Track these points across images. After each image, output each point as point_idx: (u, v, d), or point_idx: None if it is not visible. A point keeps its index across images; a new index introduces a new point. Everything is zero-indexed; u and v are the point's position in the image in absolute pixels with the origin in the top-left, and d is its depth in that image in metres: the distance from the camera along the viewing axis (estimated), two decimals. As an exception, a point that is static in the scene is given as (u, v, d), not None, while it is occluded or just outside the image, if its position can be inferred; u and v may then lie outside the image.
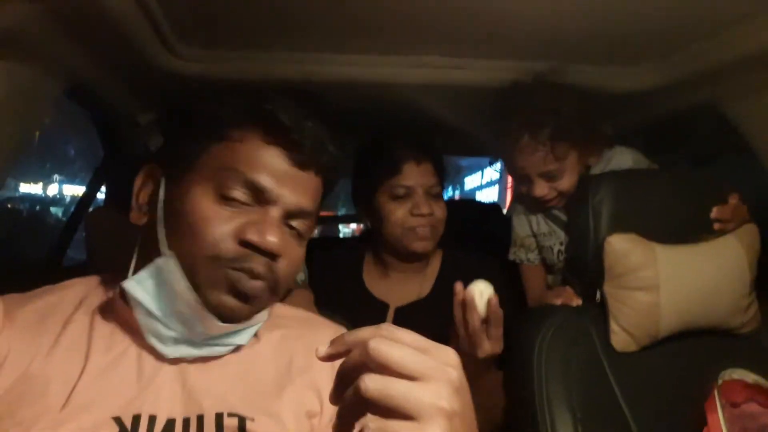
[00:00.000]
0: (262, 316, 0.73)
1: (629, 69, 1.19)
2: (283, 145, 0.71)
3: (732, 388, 1.00)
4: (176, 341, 0.68)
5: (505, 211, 2.40)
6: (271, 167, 0.70)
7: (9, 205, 9.48)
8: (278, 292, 0.72)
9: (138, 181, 0.74)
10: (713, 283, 1.04)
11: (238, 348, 0.73)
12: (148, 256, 0.68)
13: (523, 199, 1.36)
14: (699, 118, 1.41)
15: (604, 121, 1.37)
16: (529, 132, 1.19)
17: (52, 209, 11.36)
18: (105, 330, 0.69)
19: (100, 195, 1.82)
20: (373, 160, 1.30)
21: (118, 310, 0.70)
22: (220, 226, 0.66)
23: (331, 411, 0.73)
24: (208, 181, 0.68)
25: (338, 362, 0.71)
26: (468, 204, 2.71)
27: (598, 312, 1.06)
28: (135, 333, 0.69)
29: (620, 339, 1.03)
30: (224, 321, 0.67)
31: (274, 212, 0.69)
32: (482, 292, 0.95)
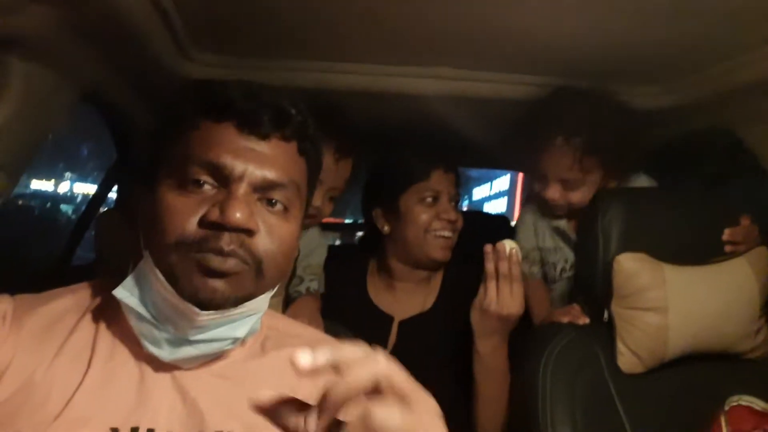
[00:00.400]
0: (256, 305, 0.69)
1: (645, 88, 1.19)
2: (237, 120, 0.67)
3: (739, 415, 0.98)
4: (170, 342, 0.66)
5: (513, 223, 2.40)
6: (227, 144, 0.66)
7: (20, 202, 9.56)
8: (264, 272, 0.67)
9: (138, 199, 0.73)
10: (723, 306, 1.03)
11: (237, 362, 0.72)
12: (136, 263, 0.68)
13: (533, 198, 1.36)
14: (711, 139, 1.40)
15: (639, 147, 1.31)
16: (564, 135, 1.18)
17: (63, 207, 11.45)
18: (108, 338, 0.69)
19: (112, 194, 1.83)
20: (399, 164, 1.33)
21: (119, 319, 0.69)
22: (184, 213, 0.64)
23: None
24: (170, 176, 0.67)
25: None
26: (476, 215, 2.70)
27: (605, 332, 1.05)
28: (135, 342, 0.68)
29: (627, 360, 1.02)
30: (207, 308, 0.63)
31: (240, 189, 0.65)
32: (509, 247, 1.10)
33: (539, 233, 1.38)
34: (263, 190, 0.67)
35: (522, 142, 1.29)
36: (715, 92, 1.11)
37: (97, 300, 0.73)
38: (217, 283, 0.63)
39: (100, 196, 1.84)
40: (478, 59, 1.11)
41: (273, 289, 0.71)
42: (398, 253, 1.33)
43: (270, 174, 0.67)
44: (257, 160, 0.67)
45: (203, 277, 0.63)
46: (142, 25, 0.91)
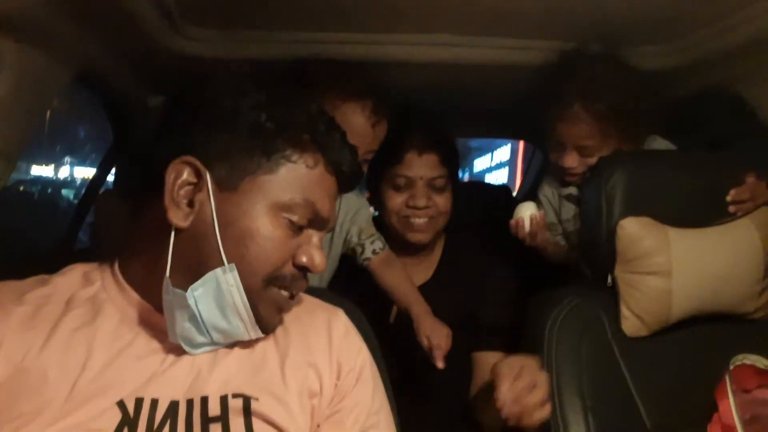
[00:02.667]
0: None
1: (646, 48, 1.17)
2: (337, 175, 0.74)
3: (743, 374, 0.99)
4: (204, 345, 0.69)
5: (515, 193, 2.39)
6: (330, 197, 0.73)
7: (21, 188, 9.55)
8: None
9: (173, 174, 0.67)
10: (727, 268, 1.03)
11: None
12: (192, 260, 0.66)
13: (550, 169, 1.35)
14: (713, 100, 1.38)
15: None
16: (581, 101, 1.15)
17: (64, 192, 11.43)
18: (109, 320, 0.68)
19: (111, 177, 1.82)
20: (381, 147, 1.24)
21: (124, 300, 0.70)
22: (283, 250, 0.69)
23: (330, 392, 0.74)
24: (276, 201, 0.68)
25: (336, 345, 0.77)
26: (477, 186, 2.70)
27: (608, 296, 1.05)
28: (144, 324, 0.69)
29: (631, 324, 1.03)
30: (264, 332, 0.71)
31: (321, 235, 0.73)
32: (528, 213, 1.19)
33: (560, 206, 1.34)
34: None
35: (535, 110, 1.25)
36: (716, 51, 1.09)
37: (89, 281, 0.72)
38: (280, 319, 0.74)
39: (99, 179, 1.83)
40: (478, 24, 1.09)
41: None
42: (390, 233, 1.32)
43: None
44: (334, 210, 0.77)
45: (275, 313, 0.72)
46: (133, 2, 0.90)
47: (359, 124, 1.11)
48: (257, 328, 0.69)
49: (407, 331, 1.18)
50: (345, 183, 0.76)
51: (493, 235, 1.38)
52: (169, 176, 0.66)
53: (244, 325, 0.68)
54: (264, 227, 0.67)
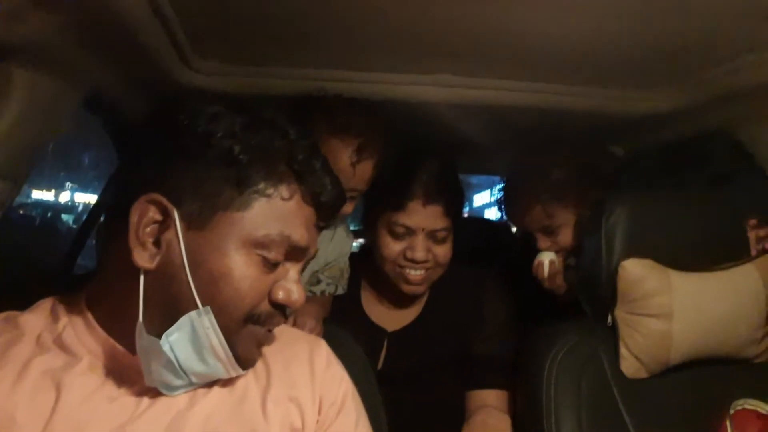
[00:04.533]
0: None
1: (644, 93, 1.19)
2: (316, 206, 0.71)
3: (744, 419, 0.97)
4: (182, 387, 0.66)
5: (514, 229, 2.39)
6: (308, 227, 0.69)
7: (21, 211, 9.56)
8: None
9: (137, 212, 0.63)
10: (729, 313, 1.02)
11: None
12: (164, 303, 0.63)
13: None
14: (712, 142, 1.40)
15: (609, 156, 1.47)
16: (525, 196, 1.30)
17: (64, 216, 11.44)
18: (77, 361, 0.66)
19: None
20: (383, 187, 1.19)
21: (93, 340, 0.67)
22: (258, 288, 0.66)
23: (312, 427, 0.73)
24: (249, 238, 0.64)
25: (319, 377, 0.76)
26: (477, 222, 2.70)
27: (608, 335, 1.05)
28: (115, 364, 0.66)
29: (630, 365, 1.02)
30: (243, 369, 0.69)
31: (299, 267, 0.71)
32: (547, 260, 1.28)
33: None
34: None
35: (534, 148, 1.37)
36: (716, 95, 1.10)
37: (58, 319, 0.69)
38: (259, 354, 0.71)
39: (102, 204, 1.84)
40: (480, 66, 1.11)
41: None
42: (382, 271, 1.26)
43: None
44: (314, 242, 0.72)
45: (255, 349, 0.69)
46: (144, 33, 0.92)
47: (341, 161, 1.09)
48: (237, 366, 0.67)
49: (395, 377, 1.16)
50: (325, 213, 0.72)
51: (489, 268, 1.38)
52: (134, 215, 0.63)
53: (223, 365, 0.65)
54: (237, 266, 0.63)
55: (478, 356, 1.24)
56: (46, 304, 0.72)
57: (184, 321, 0.62)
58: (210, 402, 0.68)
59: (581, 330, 1.06)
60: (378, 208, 1.22)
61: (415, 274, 1.20)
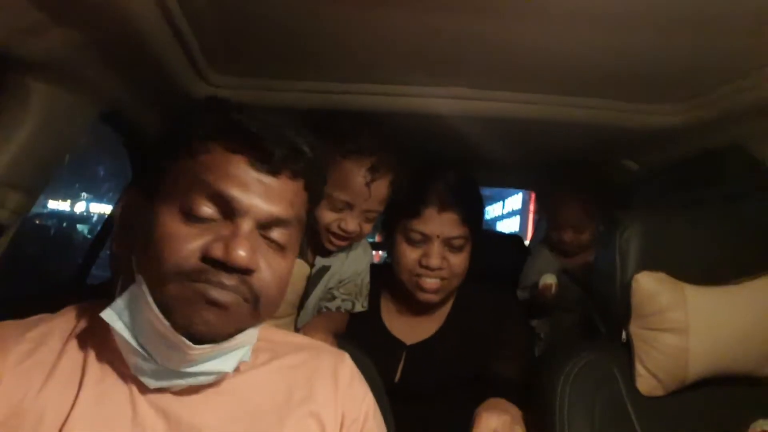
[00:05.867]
0: (247, 338, 0.67)
1: (657, 107, 1.18)
2: (249, 153, 0.66)
3: (764, 440, 0.95)
4: (156, 373, 0.64)
5: (527, 242, 2.38)
6: (237, 176, 0.65)
7: (37, 221, 9.70)
8: (260, 309, 0.66)
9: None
10: (747, 329, 1.00)
11: (229, 375, 0.69)
12: (126, 285, 0.65)
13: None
14: (727, 157, 1.39)
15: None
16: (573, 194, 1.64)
17: (79, 227, 11.58)
18: (98, 360, 0.67)
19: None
20: (402, 195, 1.21)
21: (109, 340, 0.66)
22: (186, 244, 0.62)
23: None
24: (174, 199, 0.64)
25: (342, 393, 0.74)
26: (490, 234, 2.69)
27: (623, 353, 1.03)
28: (124, 363, 0.66)
29: (646, 382, 1.00)
30: (201, 340, 0.61)
31: (245, 225, 0.64)
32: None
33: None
34: (267, 227, 0.67)
35: (545, 162, 1.66)
36: (730, 110, 1.10)
37: (85, 322, 0.71)
38: (212, 316, 0.62)
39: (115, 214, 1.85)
40: (494, 79, 1.11)
41: (264, 322, 0.70)
42: (401, 282, 1.27)
43: (276, 210, 0.66)
44: (264, 196, 0.65)
45: (200, 308, 0.61)
46: (160, 47, 0.93)
47: (355, 182, 1.10)
48: (178, 334, 0.60)
49: (412, 390, 1.15)
50: (269, 159, 0.66)
51: (509, 283, 1.37)
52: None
53: (165, 336, 0.61)
54: (162, 226, 0.63)
55: (495, 376, 1.23)
56: (77, 306, 0.74)
57: (126, 295, 0.63)
58: (218, 410, 0.67)
59: (594, 348, 1.05)
60: (396, 216, 1.24)
61: (430, 282, 1.20)
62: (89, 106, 1.04)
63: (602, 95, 1.15)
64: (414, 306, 1.28)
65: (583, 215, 1.60)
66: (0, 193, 0.92)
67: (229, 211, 0.64)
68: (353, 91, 1.16)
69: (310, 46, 0.99)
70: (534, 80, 1.10)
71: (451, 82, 1.14)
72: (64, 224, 11.50)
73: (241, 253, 0.61)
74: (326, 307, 1.22)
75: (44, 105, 0.93)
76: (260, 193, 0.65)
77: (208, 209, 0.63)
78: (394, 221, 1.25)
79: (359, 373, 0.80)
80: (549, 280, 1.56)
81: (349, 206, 1.13)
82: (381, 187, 1.14)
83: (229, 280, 0.62)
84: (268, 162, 0.66)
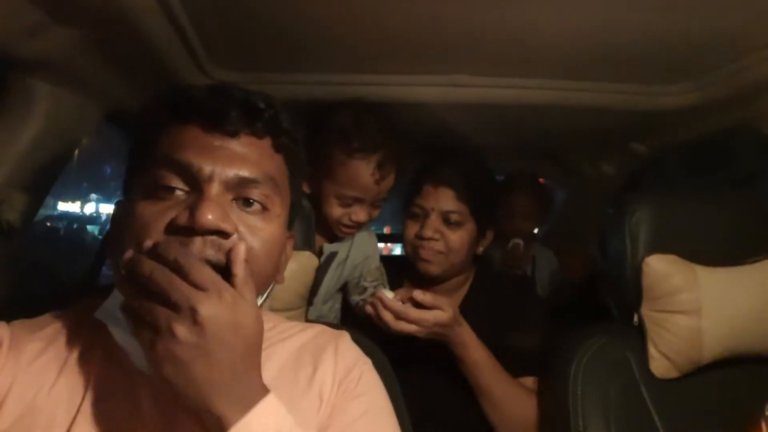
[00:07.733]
0: None
1: (666, 87, 1.16)
2: (202, 119, 0.64)
3: (781, 419, 0.94)
4: None
5: (535, 230, 2.36)
6: (193, 143, 0.63)
7: (48, 223, 9.77)
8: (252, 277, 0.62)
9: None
10: (760, 308, 0.99)
11: None
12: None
13: None
14: (738, 138, 1.37)
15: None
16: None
17: (89, 227, 11.66)
18: (103, 356, 0.67)
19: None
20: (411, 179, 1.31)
21: (110, 334, 0.66)
22: (152, 220, 0.60)
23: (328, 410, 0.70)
24: (140, 182, 0.64)
25: (340, 370, 0.73)
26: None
27: (636, 336, 1.03)
28: (127, 358, 0.66)
29: (660, 365, 0.99)
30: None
31: (212, 189, 0.61)
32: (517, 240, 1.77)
33: None
34: (238, 189, 0.64)
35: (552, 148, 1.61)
36: (738, 89, 1.08)
37: (91, 319, 0.69)
38: None
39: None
40: (496, 65, 1.10)
41: (258, 295, 0.65)
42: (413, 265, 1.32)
43: (242, 171, 0.64)
44: (226, 159, 0.63)
45: None
46: (162, 44, 0.93)
47: (364, 180, 1.16)
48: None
49: (429, 361, 1.16)
50: (224, 121, 0.65)
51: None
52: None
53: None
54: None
55: (516, 348, 1.23)
56: (88, 302, 0.73)
57: (116, 291, 0.64)
58: None
59: (607, 332, 1.05)
60: (405, 201, 1.31)
61: (424, 252, 1.25)
62: (94, 107, 1.05)
63: (611, 78, 1.14)
64: (427, 284, 1.30)
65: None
66: (7, 194, 0.93)
67: (192, 180, 0.62)
68: (355, 82, 1.16)
69: (310, 37, 0.99)
70: (539, 65, 1.09)
71: (454, 69, 1.13)
72: (75, 225, 11.58)
73: (209, 215, 0.58)
74: (362, 300, 1.24)
75: (49, 105, 0.93)
76: (220, 156, 0.63)
77: (171, 182, 0.62)
78: (404, 206, 1.32)
79: (355, 346, 0.79)
80: (518, 240, 1.77)
81: (359, 200, 1.19)
82: (389, 180, 1.20)
83: (200, 251, 0.59)
84: (221, 125, 0.64)
